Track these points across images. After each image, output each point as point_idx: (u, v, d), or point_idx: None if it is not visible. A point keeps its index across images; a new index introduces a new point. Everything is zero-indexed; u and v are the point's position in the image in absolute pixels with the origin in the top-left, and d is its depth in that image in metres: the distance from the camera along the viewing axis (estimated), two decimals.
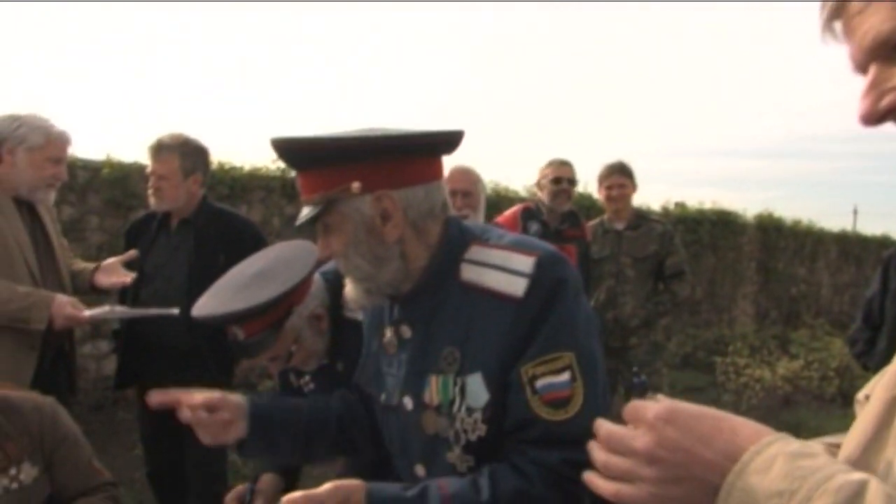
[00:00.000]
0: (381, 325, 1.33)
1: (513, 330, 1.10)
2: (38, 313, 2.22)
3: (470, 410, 1.14)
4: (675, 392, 6.27)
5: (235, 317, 1.53)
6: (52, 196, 2.46)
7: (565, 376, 1.09)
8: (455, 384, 1.15)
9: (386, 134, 1.14)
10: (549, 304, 1.10)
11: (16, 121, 2.34)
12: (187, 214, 2.70)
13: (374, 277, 1.18)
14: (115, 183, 4.96)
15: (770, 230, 10.00)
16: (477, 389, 1.12)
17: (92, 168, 4.93)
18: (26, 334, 2.27)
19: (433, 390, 1.18)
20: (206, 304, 1.61)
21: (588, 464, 1.01)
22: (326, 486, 1.06)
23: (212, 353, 2.62)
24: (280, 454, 1.48)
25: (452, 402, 1.15)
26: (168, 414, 2.69)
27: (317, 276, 1.71)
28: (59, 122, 2.45)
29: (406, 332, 1.25)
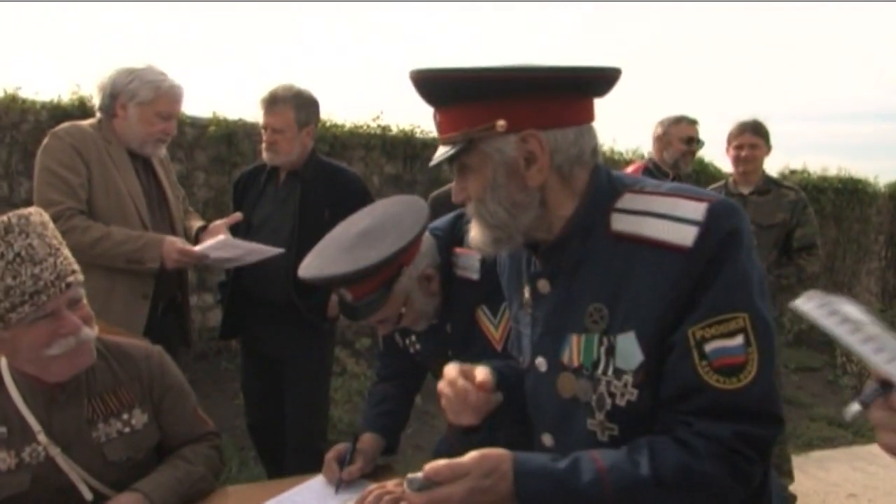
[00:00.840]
0: (521, 283, 1.22)
1: (677, 284, 0.96)
2: (149, 252, 2.22)
3: (619, 373, 1.02)
4: (789, 371, 5.88)
5: (343, 279, 1.46)
6: (162, 150, 2.46)
7: (738, 340, 0.95)
8: (601, 343, 1.04)
9: (537, 68, 1.02)
10: (721, 256, 0.95)
11: (130, 74, 2.34)
12: (296, 167, 2.65)
13: (507, 226, 1.07)
14: (221, 140, 5.04)
15: None
16: (629, 350, 1.00)
17: (199, 125, 5.02)
18: (140, 282, 2.29)
19: (574, 350, 1.07)
20: (312, 265, 1.53)
21: (764, 438, 0.96)
22: (471, 454, 0.96)
23: (308, 308, 2.58)
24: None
25: (597, 364, 1.04)
26: (270, 367, 2.76)
27: (426, 234, 1.61)
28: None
29: (544, 286, 1.13)
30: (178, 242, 2.28)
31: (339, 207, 2.54)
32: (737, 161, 3.46)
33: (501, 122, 1.01)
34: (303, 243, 2.48)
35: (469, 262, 1.58)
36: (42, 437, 1.45)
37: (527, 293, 1.18)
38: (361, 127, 5.43)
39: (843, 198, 8.28)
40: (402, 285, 1.54)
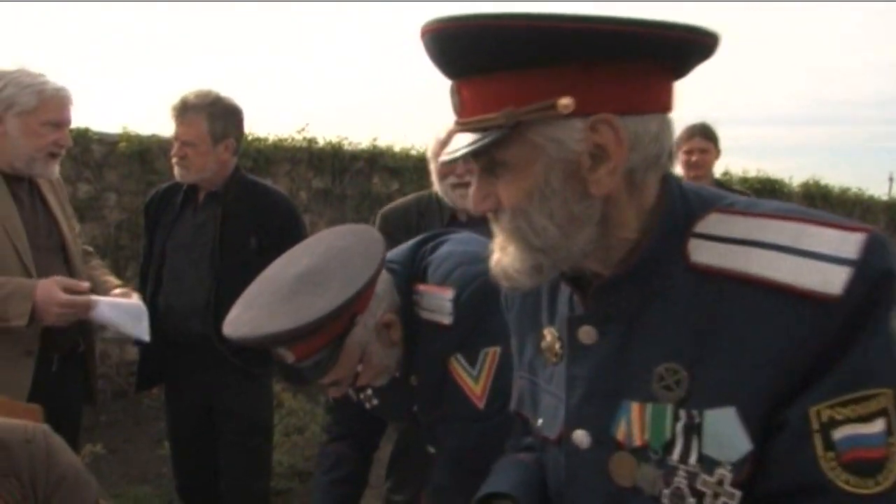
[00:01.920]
0: (536, 322, 0.94)
1: (805, 345, 0.69)
2: (16, 306, 1.82)
3: (709, 464, 0.74)
4: None
5: (282, 338, 1.17)
6: (54, 168, 2.06)
7: (879, 426, 0.69)
8: (677, 418, 0.76)
9: (632, 21, 0.71)
10: (870, 309, 0.69)
11: (1, 80, 1.94)
12: (216, 187, 2.30)
13: (557, 248, 0.78)
14: (133, 157, 4.64)
15: (817, 198, 9.52)
16: (726, 432, 0.73)
17: (108, 142, 4.63)
18: (20, 336, 1.89)
19: (635, 424, 0.79)
20: (242, 319, 1.23)
21: None
22: None
23: (233, 352, 2.23)
24: None
25: (670, 446, 0.77)
26: (198, 418, 2.40)
27: (382, 271, 1.35)
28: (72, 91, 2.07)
29: (589, 335, 0.84)
30: (55, 289, 1.86)
31: (267, 233, 2.27)
32: (687, 166, 3.33)
33: (566, 101, 0.72)
34: (225, 274, 2.20)
35: (437, 301, 1.31)
36: None
37: (550, 339, 0.90)
38: (286, 140, 5.14)
39: (763, 198, 8.56)
40: (355, 338, 1.26)
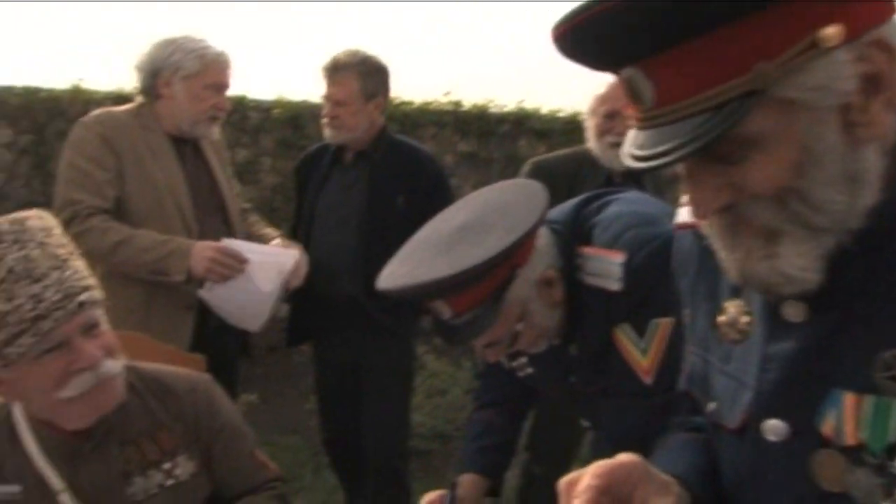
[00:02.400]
0: (715, 292, 0.80)
1: None
2: (175, 263, 1.90)
3: None
4: None
5: (439, 287, 1.09)
6: (215, 130, 2.15)
7: None
8: None
9: None
10: None
11: (169, 46, 2.03)
12: (364, 147, 2.29)
13: (846, 220, 0.63)
14: (286, 123, 4.82)
15: None
16: None
17: (263, 109, 4.82)
18: (181, 292, 1.98)
19: (848, 417, 0.65)
20: (397, 272, 1.17)
21: None
22: None
23: (379, 310, 2.23)
24: None
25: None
26: (345, 375, 2.43)
27: (542, 227, 1.23)
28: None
29: (797, 312, 0.69)
30: (208, 250, 1.93)
31: (415, 194, 2.23)
32: None
33: (832, 30, 0.56)
34: (373, 234, 2.18)
35: (604, 265, 1.18)
36: (65, 498, 1.15)
37: (734, 313, 0.76)
38: (432, 103, 5.10)
39: None
40: (516, 293, 1.16)
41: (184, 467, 1.25)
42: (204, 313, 2.04)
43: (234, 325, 2.06)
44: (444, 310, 1.16)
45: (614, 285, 1.16)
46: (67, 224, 1.83)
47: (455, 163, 4.97)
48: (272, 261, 2.04)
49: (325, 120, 2.28)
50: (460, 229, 1.16)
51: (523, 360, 1.39)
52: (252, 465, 1.35)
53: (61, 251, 1.11)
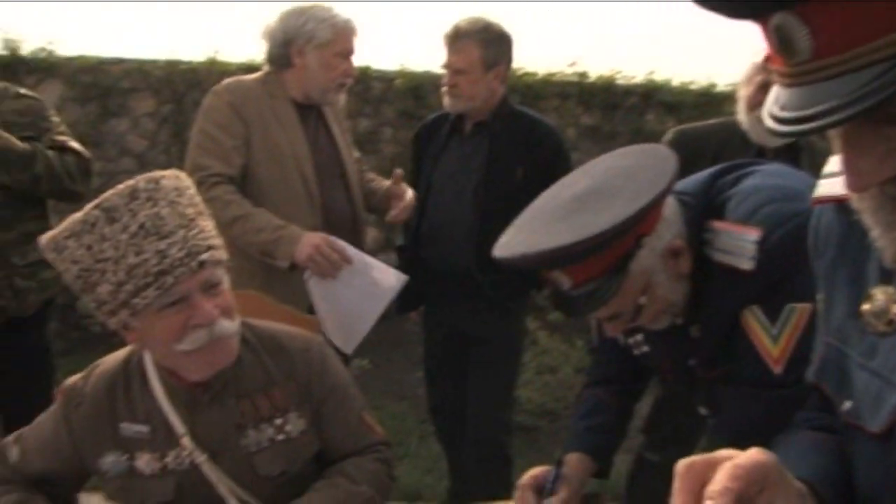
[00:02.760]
0: (859, 277, 0.72)
1: None
2: (283, 249, 1.93)
3: None
4: None
5: (560, 255, 1.03)
6: (341, 98, 2.18)
7: None
8: None
9: None
10: None
11: (302, 15, 2.06)
12: (484, 117, 2.25)
13: None
14: (408, 93, 4.86)
15: None
16: None
17: (386, 79, 4.88)
18: None
19: None
20: (514, 241, 1.12)
21: None
22: None
23: (491, 285, 2.20)
24: None
25: None
26: (454, 346, 2.43)
27: (669, 197, 1.14)
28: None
29: None
30: (317, 238, 1.94)
31: (534, 166, 2.17)
32: None
33: None
34: (489, 206, 2.15)
35: (736, 242, 1.08)
36: (186, 442, 1.22)
37: (883, 301, 0.67)
38: (556, 74, 4.96)
39: None
40: (640, 263, 1.09)
41: (294, 424, 1.29)
42: None
43: (328, 335, 2.01)
44: (562, 280, 1.10)
45: (746, 264, 1.06)
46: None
47: (577, 136, 4.83)
48: (378, 277, 2.03)
49: (444, 89, 2.26)
50: (582, 196, 1.10)
51: (639, 337, 1.32)
52: (359, 427, 1.37)
53: (190, 211, 1.15)
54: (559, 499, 1.29)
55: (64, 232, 1.10)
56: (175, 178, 1.17)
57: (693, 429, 2.23)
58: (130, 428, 1.23)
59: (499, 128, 2.23)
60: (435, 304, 2.41)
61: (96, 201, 1.10)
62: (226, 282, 1.20)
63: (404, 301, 2.47)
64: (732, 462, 0.57)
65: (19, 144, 2.00)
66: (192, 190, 1.20)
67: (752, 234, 1.05)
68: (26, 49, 4.61)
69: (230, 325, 1.17)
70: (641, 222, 1.04)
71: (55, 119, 2.18)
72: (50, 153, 2.06)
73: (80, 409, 1.24)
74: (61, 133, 2.16)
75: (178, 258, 1.09)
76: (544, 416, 3.53)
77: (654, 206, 1.04)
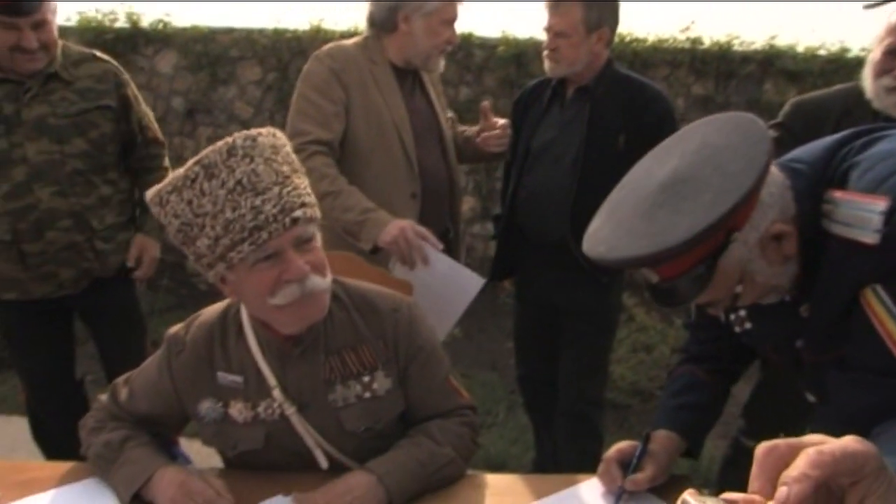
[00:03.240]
0: None
1: None
2: (368, 232, 1.91)
3: None
4: None
5: (639, 262, 1.01)
6: (441, 63, 2.17)
7: None
8: None
9: None
10: None
11: None
12: (586, 81, 2.16)
13: None
14: (510, 61, 4.76)
15: None
16: None
17: (488, 46, 4.79)
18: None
19: None
20: (598, 235, 1.09)
21: None
22: None
23: (586, 256, 2.13)
24: None
25: None
26: (545, 316, 2.39)
27: (775, 170, 1.05)
28: None
29: None
30: (405, 223, 1.89)
31: (638, 134, 2.05)
32: None
33: None
34: (589, 175, 2.07)
35: (859, 213, 0.98)
36: (277, 394, 1.26)
37: None
38: (667, 40, 4.70)
39: None
40: (733, 257, 1.02)
41: (381, 383, 1.30)
42: None
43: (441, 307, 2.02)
44: (651, 275, 1.06)
45: (870, 237, 0.96)
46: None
47: (686, 107, 4.58)
48: (459, 279, 2.00)
49: (545, 52, 2.19)
50: (668, 186, 1.03)
51: (742, 313, 1.24)
52: (445, 390, 1.37)
53: (285, 168, 1.17)
54: (645, 476, 1.25)
55: (167, 187, 1.14)
56: (271, 136, 1.18)
57: (797, 416, 2.10)
58: (226, 377, 1.28)
59: (601, 92, 2.14)
60: (529, 273, 2.37)
61: (197, 157, 1.13)
62: (318, 239, 1.21)
63: (498, 269, 2.45)
64: (817, 448, 0.52)
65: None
66: (288, 148, 1.22)
67: (879, 204, 0.95)
68: (145, 21, 4.88)
69: (321, 281, 1.19)
70: (730, 220, 0.97)
71: (133, 90, 2.22)
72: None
73: (180, 357, 1.30)
74: (140, 107, 2.24)
75: (272, 214, 1.12)
76: (636, 394, 3.44)
77: (742, 206, 0.96)
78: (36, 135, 1.99)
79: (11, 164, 1.97)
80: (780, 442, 0.54)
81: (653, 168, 1.11)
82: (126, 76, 2.21)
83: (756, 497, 0.51)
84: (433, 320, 1.95)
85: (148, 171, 2.32)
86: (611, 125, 2.10)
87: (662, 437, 1.33)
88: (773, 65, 4.57)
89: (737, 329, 1.29)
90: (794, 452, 0.53)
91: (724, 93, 4.63)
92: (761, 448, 0.54)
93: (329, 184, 1.94)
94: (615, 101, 2.12)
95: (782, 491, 0.49)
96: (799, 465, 0.51)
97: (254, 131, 1.17)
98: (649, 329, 3.83)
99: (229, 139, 1.13)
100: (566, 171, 2.12)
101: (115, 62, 2.20)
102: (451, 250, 2.30)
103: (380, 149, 2.04)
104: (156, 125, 2.34)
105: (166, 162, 2.38)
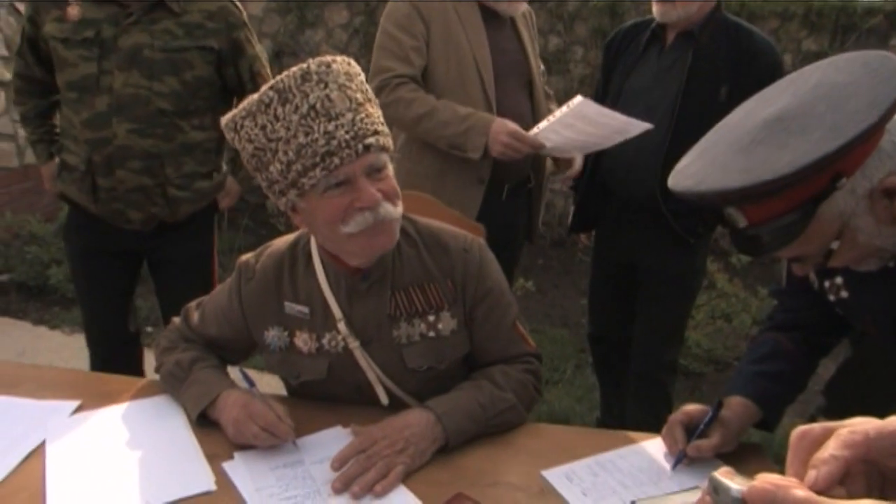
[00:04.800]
0: None
1: None
2: (473, 139, 1.89)
3: None
4: None
5: (726, 197, 0.92)
6: (520, 7, 2.09)
7: None
8: None
9: None
10: None
11: None
12: (691, 26, 2.00)
13: None
14: (604, 10, 4.56)
15: None
16: None
17: None
18: (474, 165, 1.99)
19: None
20: (687, 171, 1.01)
21: None
22: None
23: (676, 214, 2.03)
24: None
25: None
26: (622, 275, 2.30)
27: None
28: None
29: None
30: (508, 125, 1.88)
31: (742, 86, 1.89)
32: None
33: None
34: (684, 127, 1.93)
35: None
36: (342, 327, 1.25)
37: None
38: None
39: None
40: (835, 206, 0.93)
41: (445, 323, 1.28)
42: (495, 188, 2.06)
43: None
44: (738, 218, 0.98)
45: None
46: (378, 92, 1.93)
47: (795, 64, 4.24)
48: (621, 126, 1.85)
49: None
50: (775, 122, 0.94)
51: (839, 280, 1.14)
52: (511, 335, 1.34)
53: (359, 96, 1.14)
54: (710, 444, 1.17)
55: (241, 112, 1.13)
56: (346, 64, 1.15)
57: (887, 400, 1.96)
58: (293, 307, 1.29)
59: (706, 39, 1.98)
60: (610, 231, 2.27)
61: (271, 82, 1.11)
62: (390, 169, 1.18)
63: (577, 221, 2.37)
64: (850, 429, 0.50)
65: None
66: (362, 77, 1.18)
67: None
68: None
69: (393, 210, 1.16)
70: (839, 163, 0.87)
71: (248, 34, 2.04)
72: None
73: (250, 284, 1.32)
74: (253, 52, 2.04)
75: (344, 140, 1.09)
76: (711, 363, 3.32)
77: (857, 145, 0.86)
78: (127, 65, 1.86)
79: (97, 92, 1.86)
80: (815, 425, 0.53)
81: (755, 109, 1.02)
82: (243, 17, 2.01)
83: (792, 479, 0.48)
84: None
85: None
86: (713, 75, 1.95)
87: (736, 404, 1.25)
88: None
89: (831, 298, 1.19)
90: (828, 436, 0.51)
91: (840, 49, 4.27)
92: (796, 433, 0.53)
93: (420, 105, 1.94)
94: (720, 50, 1.97)
95: (811, 474, 0.48)
96: (829, 447, 0.50)
97: (328, 58, 1.13)
98: (731, 297, 3.67)
99: (304, 64, 1.11)
100: (659, 123, 1.99)
101: (238, 4, 2.01)
102: (530, 202, 2.25)
103: (457, 85, 1.99)
104: (269, 73, 2.07)
105: None
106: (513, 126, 1.87)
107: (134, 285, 2.20)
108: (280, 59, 4.99)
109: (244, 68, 2.03)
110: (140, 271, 2.21)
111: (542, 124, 1.84)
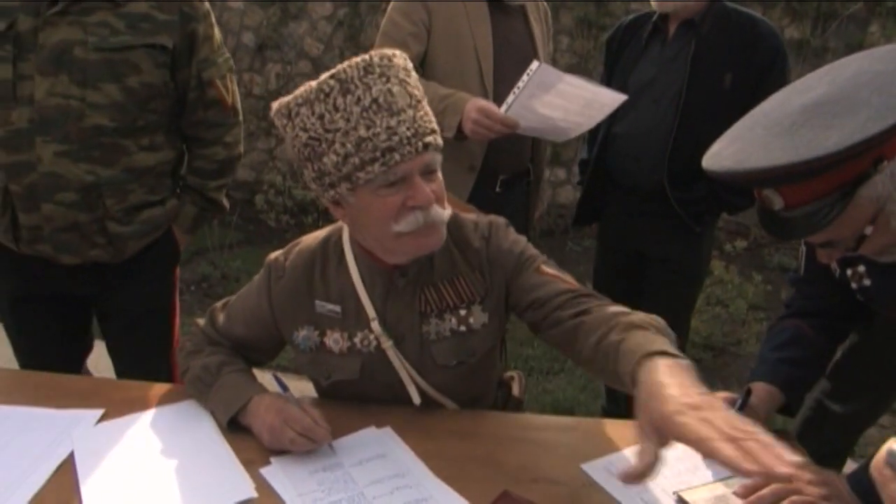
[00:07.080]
0: None
1: None
2: (448, 118, 1.82)
3: None
4: None
5: (771, 175, 0.92)
6: None
7: None
8: None
9: None
10: None
11: None
12: (692, 15, 2.01)
13: None
14: None
15: None
16: None
17: None
18: (466, 151, 1.97)
19: None
20: (724, 153, 1.01)
21: None
22: None
23: (682, 202, 2.04)
24: None
25: None
26: (627, 264, 2.31)
27: None
28: None
29: None
30: (480, 101, 1.79)
31: (746, 73, 1.94)
32: None
33: None
34: (690, 116, 1.96)
35: None
36: (375, 326, 1.24)
37: None
38: None
39: None
40: (874, 189, 0.94)
41: (476, 317, 1.27)
42: (488, 177, 2.04)
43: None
44: (774, 199, 0.98)
45: None
46: None
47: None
48: (592, 97, 1.82)
49: None
50: (815, 107, 0.94)
51: (862, 268, 1.15)
52: (541, 280, 1.26)
53: (416, 92, 1.12)
54: None
55: (297, 98, 1.09)
56: (404, 59, 1.14)
57: (889, 386, 2.00)
58: (324, 306, 1.27)
59: (708, 28, 2.00)
60: (615, 219, 2.28)
61: (332, 71, 1.08)
62: (440, 169, 1.17)
63: (583, 213, 2.37)
64: None
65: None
66: (415, 73, 1.16)
67: None
68: None
69: (442, 213, 1.15)
70: (884, 145, 0.88)
71: (208, 29, 1.63)
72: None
73: (280, 283, 1.29)
74: (207, 53, 1.63)
75: (406, 136, 1.07)
76: (708, 349, 3.36)
77: None
78: (52, 68, 1.45)
79: (13, 104, 1.45)
80: None
81: (790, 98, 1.02)
82: (204, 7, 1.62)
83: None
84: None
85: (199, 144, 1.73)
86: (717, 63, 1.97)
87: (761, 390, 1.29)
88: (881, 4, 4.23)
89: (854, 285, 1.21)
90: None
91: (822, 37, 4.34)
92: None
93: None
94: (723, 37, 1.98)
95: None
96: None
97: (388, 51, 1.11)
98: (727, 283, 3.72)
99: (365, 56, 1.08)
100: (665, 113, 2.00)
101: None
102: (528, 196, 2.24)
103: (455, 74, 1.96)
104: (228, 87, 1.69)
105: (232, 136, 1.75)
106: (484, 102, 1.82)
107: (85, 332, 1.82)
108: (262, 52, 4.93)
109: (192, 72, 1.61)
110: (91, 317, 1.82)
111: (509, 98, 1.78)
